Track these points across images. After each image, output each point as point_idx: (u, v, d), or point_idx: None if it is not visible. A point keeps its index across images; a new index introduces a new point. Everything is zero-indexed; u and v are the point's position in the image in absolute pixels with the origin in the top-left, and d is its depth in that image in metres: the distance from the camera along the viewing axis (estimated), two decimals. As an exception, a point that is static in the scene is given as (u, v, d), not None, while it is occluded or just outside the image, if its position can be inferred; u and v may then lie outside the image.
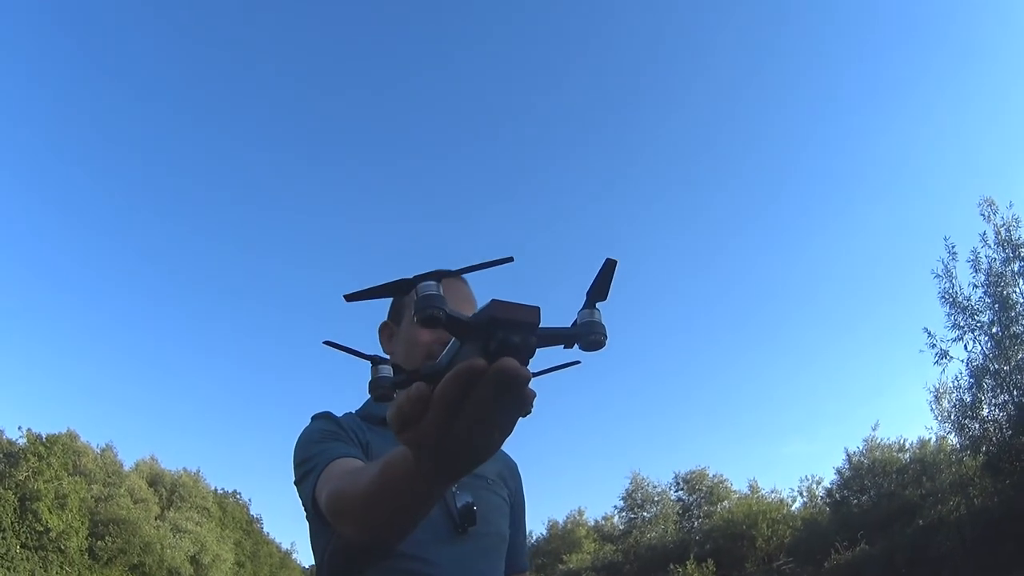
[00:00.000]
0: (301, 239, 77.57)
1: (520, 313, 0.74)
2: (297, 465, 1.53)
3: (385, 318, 1.90)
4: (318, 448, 1.50)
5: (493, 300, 0.74)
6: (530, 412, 0.83)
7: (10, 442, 33.30)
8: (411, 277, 0.82)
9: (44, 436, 34.17)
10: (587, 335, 0.85)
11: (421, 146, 77.57)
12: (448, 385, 0.70)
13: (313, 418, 1.67)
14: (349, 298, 0.86)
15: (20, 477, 31.43)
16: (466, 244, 68.86)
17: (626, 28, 71.50)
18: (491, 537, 1.69)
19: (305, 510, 1.51)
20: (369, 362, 0.90)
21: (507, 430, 0.78)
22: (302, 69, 76.66)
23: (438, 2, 76.57)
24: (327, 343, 0.94)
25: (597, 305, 0.87)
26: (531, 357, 0.76)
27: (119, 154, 71.41)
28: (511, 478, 1.90)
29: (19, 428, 34.35)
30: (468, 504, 1.58)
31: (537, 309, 0.75)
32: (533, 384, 0.80)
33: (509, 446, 1.97)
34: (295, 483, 1.54)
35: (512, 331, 0.73)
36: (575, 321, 0.86)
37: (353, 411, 1.79)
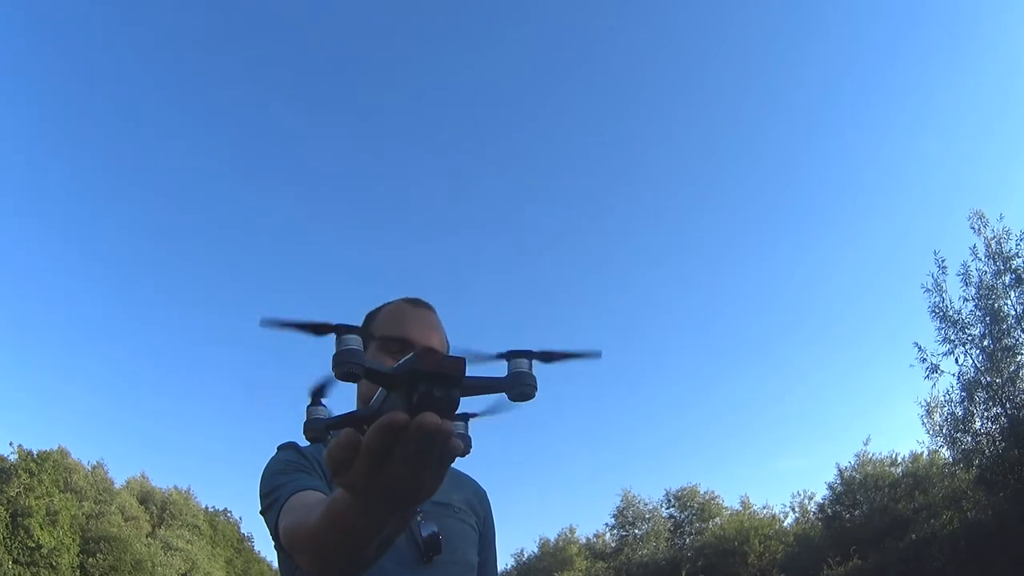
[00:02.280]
0: (294, 260, 77.39)
1: (443, 366, 0.75)
2: (262, 496, 1.55)
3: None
4: (282, 479, 1.52)
5: (415, 351, 0.76)
6: (467, 454, 0.87)
7: (1, 458, 32.99)
8: (334, 324, 0.84)
9: (35, 453, 33.92)
10: (515, 386, 0.87)
11: (406, 168, 77.80)
12: (372, 437, 0.73)
13: (279, 448, 1.69)
14: (265, 324, 0.86)
15: (11, 493, 31.19)
16: (445, 266, 69.03)
17: (612, 56, 72.06)
18: (458, 566, 1.69)
19: (273, 539, 1.53)
20: (309, 397, 0.92)
21: (440, 475, 0.79)
22: (281, 87, 76.80)
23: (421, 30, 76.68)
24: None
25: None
26: (454, 410, 0.78)
27: (109, 177, 71.40)
28: (480, 505, 1.90)
29: (10, 444, 34.03)
30: (434, 533, 1.59)
31: (462, 360, 0.77)
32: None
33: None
34: (260, 513, 1.56)
35: (435, 384, 0.75)
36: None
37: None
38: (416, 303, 1.80)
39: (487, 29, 74.55)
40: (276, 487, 1.49)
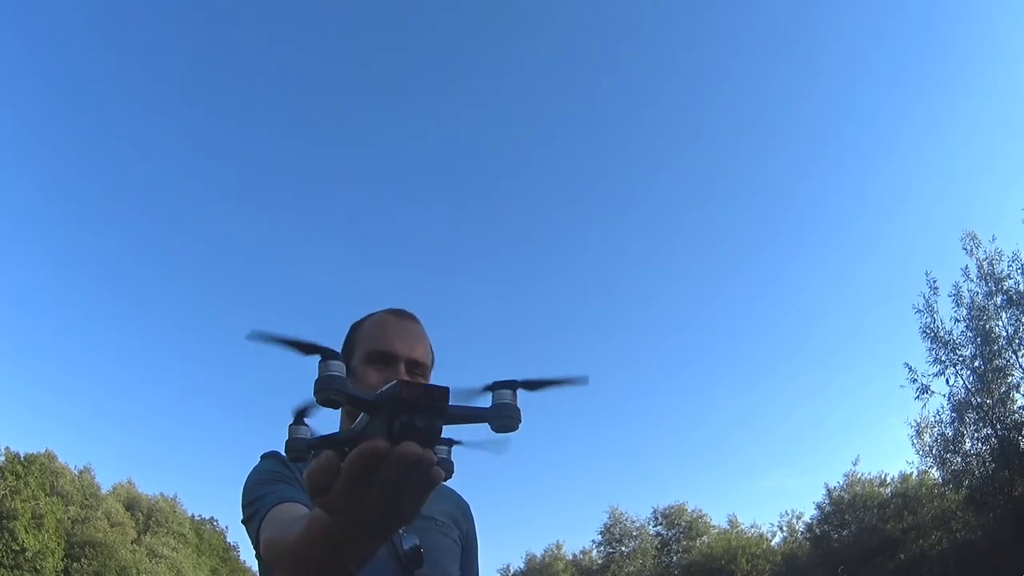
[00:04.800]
0: (286, 277, 77.39)
1: (426, 395, 0.76)
2: (244, 505, 1.54)
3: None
4: (265, 490, 1.51)
5: (398, 380, 0.77)
6: (450, 477, 0.89)
7: (-12, 460, 32.86)
8: (320, 346, 0.83)
9: (22, 455, 33.73)
10: (498, 417, 0.87)
11: (407, 196, 77.96)
12: (352, 463, 0.73)
13: (262, 457, 1.67)
14: (252, 337, 0.85)
15: (-3, 495, 31.02)
16: (441, 293, 68.97)
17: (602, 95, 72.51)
18: None
19: (254, 549, 1.52)
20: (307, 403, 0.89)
21: (421, 502, 0.80)
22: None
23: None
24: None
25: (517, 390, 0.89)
26: (437, 439, 0.79)
27: (104, 182, 71.32)
28: (463, 519, 1.88)
29: (-3, 446, 33.90)
30: (415, 546, 1.57)
31: (445, 390, 0.77)
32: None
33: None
34: (242, 522, 1.55)
35: (417, 414, 0.75)
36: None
37: None
38: (400, 314, 1.80)
39: (491, 63, 75.80)
40: (258, 497, 1.49)
